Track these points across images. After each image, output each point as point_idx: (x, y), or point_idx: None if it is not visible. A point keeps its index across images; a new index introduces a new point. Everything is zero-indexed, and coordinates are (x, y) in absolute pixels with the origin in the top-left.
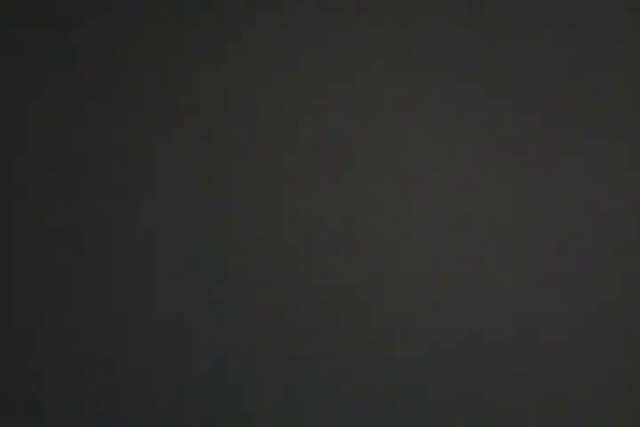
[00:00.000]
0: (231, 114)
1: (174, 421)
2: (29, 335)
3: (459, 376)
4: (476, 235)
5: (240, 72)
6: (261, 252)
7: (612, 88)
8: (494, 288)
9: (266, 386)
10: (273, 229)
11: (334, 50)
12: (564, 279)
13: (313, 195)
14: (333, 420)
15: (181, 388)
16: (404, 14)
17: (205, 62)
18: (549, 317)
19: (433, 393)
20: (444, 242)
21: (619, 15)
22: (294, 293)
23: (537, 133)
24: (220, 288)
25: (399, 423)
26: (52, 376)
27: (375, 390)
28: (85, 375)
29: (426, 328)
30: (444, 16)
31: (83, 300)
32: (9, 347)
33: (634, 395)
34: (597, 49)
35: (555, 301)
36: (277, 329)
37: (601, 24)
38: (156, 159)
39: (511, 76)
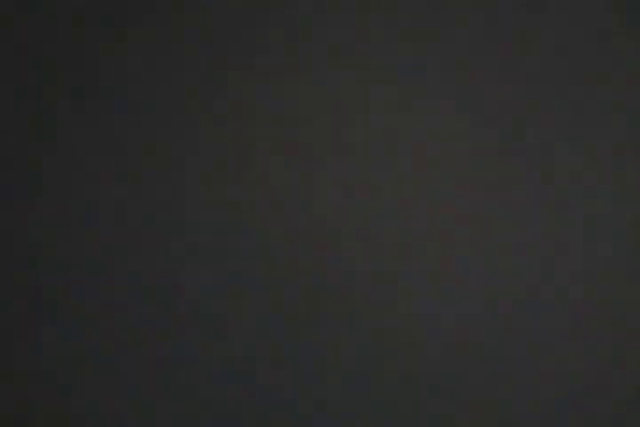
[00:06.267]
0: (236, 107)
1: (175, 420)
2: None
3: (458, 376)
4: (477, 234)
5: (240, 66)
6: (262, 251)
7: (611, 88)
8: (494, 286)
9: (271, 377)
10: (275, 229)
11: (334, 49)
12: (563, 278)
13: (313, 194)
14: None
15: (184, 387)
16: (404, 14)
17: (205, 60)
18: (549, 316)
19: (432, 392)
20: (444, 241)
21: (619, 15)
22: (296, 290)
23: (538, 132)
24: (219, 286)
25: (400, 423)
26: (50, 375)
27: (374, 389)
28: (85, 375)
29: (425, 328)
30: (442, 16)
31: (82, 295)
32: (8, 346)
33: (633, 394)
34: (597, 49)
35: (554, 299)
36: (278, 329)
37: (601, 24)
38: (157, 157)
39: (511, 75)
